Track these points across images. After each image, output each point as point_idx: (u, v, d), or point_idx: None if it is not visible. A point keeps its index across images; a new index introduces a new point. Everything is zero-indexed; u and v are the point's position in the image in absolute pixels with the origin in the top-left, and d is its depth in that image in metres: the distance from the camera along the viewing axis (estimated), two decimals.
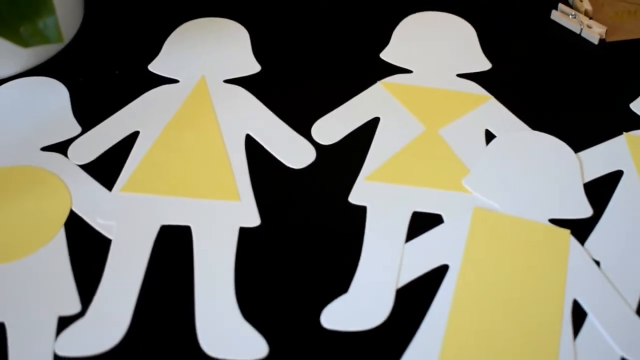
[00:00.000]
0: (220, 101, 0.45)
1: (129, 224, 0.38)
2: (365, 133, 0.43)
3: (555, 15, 0.51)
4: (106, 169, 0.41)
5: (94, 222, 0.38)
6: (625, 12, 0.52)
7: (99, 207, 0.38)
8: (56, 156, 0.41)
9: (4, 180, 0.40)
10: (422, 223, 0.38)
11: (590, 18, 0.50)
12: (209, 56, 0.48)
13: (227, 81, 0.46)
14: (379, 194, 0.39)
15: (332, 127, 0.43)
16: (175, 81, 0.46)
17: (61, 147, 0.42)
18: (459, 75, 0.47)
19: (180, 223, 0.38)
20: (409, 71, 0.47)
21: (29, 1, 0.38)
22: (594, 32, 0.49)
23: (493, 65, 0.48)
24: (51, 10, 0.38)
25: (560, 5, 0.51)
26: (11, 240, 0.37)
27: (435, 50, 0.49)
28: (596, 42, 0.49)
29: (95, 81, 0.47)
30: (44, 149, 0.42)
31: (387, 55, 0.48)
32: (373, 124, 0.43)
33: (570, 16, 0.51)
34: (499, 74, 0.47)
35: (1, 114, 0.44)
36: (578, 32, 0.50)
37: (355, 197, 0.39)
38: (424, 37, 0.50)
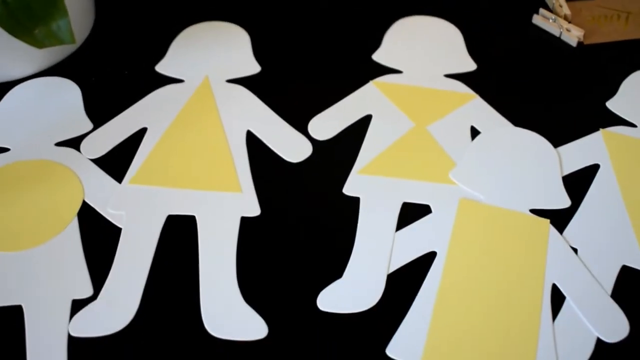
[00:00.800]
0: (222, 100, 0.45)
1: (137, 214, 0.38)
2: (359, 129, 0.43)
3: (536, 19, 0.52)
4: (116, 162, 0.41)
5: (105, 212, 0.38)
6: (602, 17, 0.52)
7: (109, 198, 0.39)
8: (69, 151, 0.41)
9: (21, 173, 0.40)
10: (411, 213, 0.38)
11: (569, 22, 0.51)
12: (212, 58, 0.48)
13: (229, 81, 0.46)
14: (371, 186, 0.40)
15: (327, 124, 0.43)
16: (181, 81, 0.46)
17: (74, 143, 0.42)
18: (446, 76, 0.47)
19: (185, 213, 0.38)
20: (399, 71, 0.47)
21: (43, 5, 0.38)
22: (572, 35, 0.50)
23: (478, 66, 0.48)
24: (64, 13, 0.38)
25: (541, 10, 0.52)
26: (28, 229, 0.37)
27: (424, 52, 0.49)
28: (575, 45, 0.50)
29: (106, 81, 0.47)
30: (58, 144, 0.42)
31: (379, 56, 0.49)
32: (366, 120, 0.44)
33: (551, 20, 0.51)
34: (483, 74, 0.47)
35: (18, 112, 0.44)
36: (558, 35, 0.50)
37: (349, 188, 0.40)
38: (414, 40, 0.50)
